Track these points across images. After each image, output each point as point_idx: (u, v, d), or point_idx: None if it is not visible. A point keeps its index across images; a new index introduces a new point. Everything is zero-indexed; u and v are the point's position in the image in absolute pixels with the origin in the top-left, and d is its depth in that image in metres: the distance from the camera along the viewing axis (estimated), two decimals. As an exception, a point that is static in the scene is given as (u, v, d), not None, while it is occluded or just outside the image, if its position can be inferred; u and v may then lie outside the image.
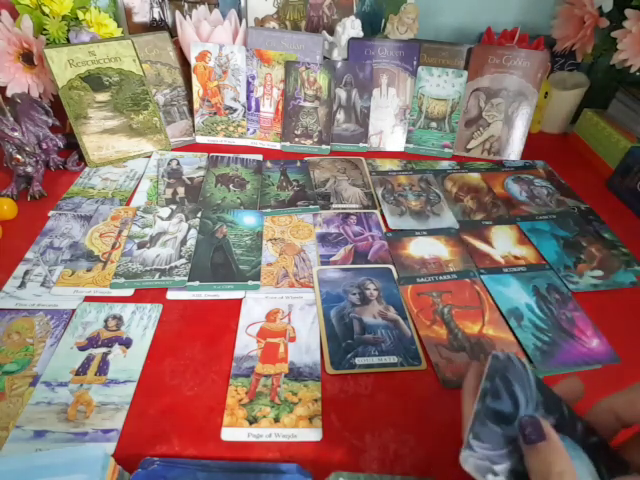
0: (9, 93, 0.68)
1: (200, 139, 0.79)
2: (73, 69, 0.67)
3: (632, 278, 0.56)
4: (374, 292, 0.52)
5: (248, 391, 0.42)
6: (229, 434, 0.39)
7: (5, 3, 0.69)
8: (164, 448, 0.37)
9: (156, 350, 0.45)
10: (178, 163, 0.73)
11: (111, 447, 0.37)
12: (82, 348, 0.45)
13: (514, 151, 0.79)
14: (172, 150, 0.76)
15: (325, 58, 0.79)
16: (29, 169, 0.64)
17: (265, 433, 0.39)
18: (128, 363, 0.44)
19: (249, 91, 0.77)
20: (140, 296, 0.51)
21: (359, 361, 0.45)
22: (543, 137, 0.88)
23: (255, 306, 0.50)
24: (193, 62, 0.75)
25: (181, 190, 0.67)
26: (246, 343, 0.46)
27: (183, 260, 0.54)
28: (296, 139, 0.79)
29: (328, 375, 0.44)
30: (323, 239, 0.60)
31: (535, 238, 0.61)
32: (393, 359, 0.45)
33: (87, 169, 0.70)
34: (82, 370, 0.43)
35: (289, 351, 0.46)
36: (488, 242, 0.61)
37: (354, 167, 0.75)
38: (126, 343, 0.45)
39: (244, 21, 0.77)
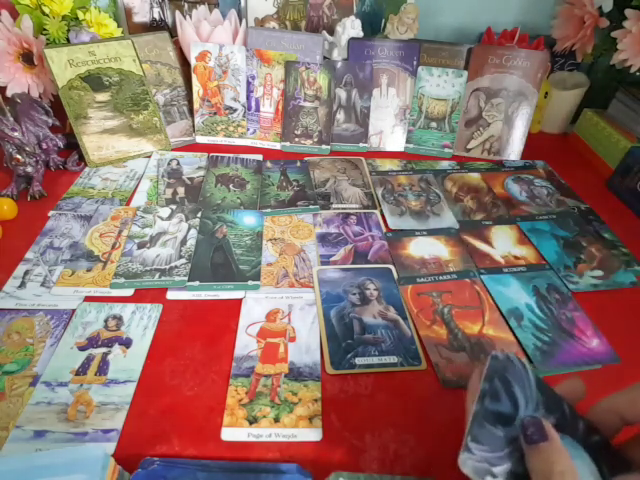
0: (9, 93, 0.68)
1: (200, 139, 0.79)
2: (73, 69, 0.67)
3: (632, 278, 0.56)
4: (374, 292, 0.52)
5: (248, 391, 0.42)
6: (229, 434, 0.39)
7: (5, 3, 0.69)
8: (164, 448, 0.37)
9: (156, 350, 0.45)
10: (178, 163, 0.73)
11: (111, 447, 0.37)
12: (82, 348, 0.45)
13: (514, 151, 0.79)
14: (172, 150, 0.76)
15: (325, 58, 0.79)
16: (29, 169, 0.64)
17: (265, 433, 0.39)
18: (128, 363, 0.44)
19: (249, 91, 0.77)
20: (140, 296, 0.51)
21: (359, 361, 0.45)
22: (543, 137, 0.88)
23: (255, 306, 0.50)
24: (193, 62, 0.75)
25: (181, 190, 0.67)
26: (246, 343, 0.46)
27: (183, 260, 0.54)
28: (296, 139, 0.79)
29: (328, 375, 0.44)
30: (323, 239, 0.60)
31: (535, 238, 0.61)
32: (393, 359, 0.45)
33: (87, 169, 0.71)
34: (82, 370, 0.43)
35: (289, 351, 0.45)
36: (488, 242, 0.61)
37: (354, 167, 0.75)
38: (126, 343, 0.45)
39: (244, 21, 0.77)
